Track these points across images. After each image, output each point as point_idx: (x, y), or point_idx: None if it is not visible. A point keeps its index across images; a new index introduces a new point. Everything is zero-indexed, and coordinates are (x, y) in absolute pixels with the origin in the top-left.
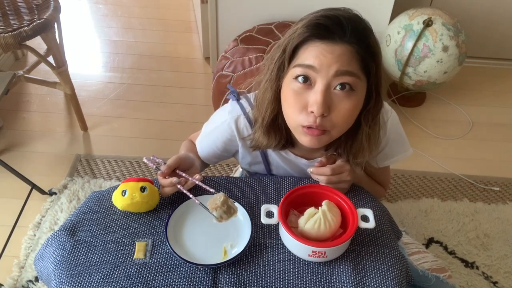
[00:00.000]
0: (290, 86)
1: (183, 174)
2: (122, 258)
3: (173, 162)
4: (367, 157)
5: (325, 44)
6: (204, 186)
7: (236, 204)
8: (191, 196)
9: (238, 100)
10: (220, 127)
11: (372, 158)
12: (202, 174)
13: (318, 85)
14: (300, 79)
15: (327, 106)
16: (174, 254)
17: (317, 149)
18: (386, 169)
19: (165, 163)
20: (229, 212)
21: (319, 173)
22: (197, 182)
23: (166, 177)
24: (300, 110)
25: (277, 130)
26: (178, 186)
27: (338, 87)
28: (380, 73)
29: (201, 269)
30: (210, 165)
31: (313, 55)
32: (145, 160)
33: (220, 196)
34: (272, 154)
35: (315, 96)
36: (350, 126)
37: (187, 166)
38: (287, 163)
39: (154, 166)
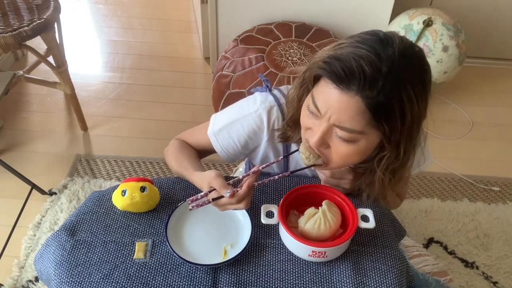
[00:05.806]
0: (304, 107)
1: (240, 176)
2: (122, 258)
3: (223, 182)
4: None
5: (335, 89)
6: (265, 165)
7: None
8: (276, 177)
9: (270, 90)
10: (248, 118)
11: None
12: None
13: (321, 124)
14: (310, 110)
15: (324, 142)
16: (174, 254)
17: None
18: (406, 179)
19: (208, 192)
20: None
21: (320, 170)
22: (260, 168)
23: (235, 194)
24: (306, 129)
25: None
26: (255, 184)
27: (337, 133)
28: (405, 130)
29: (201, 269)
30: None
31: (322, 97)
32: (194, 206)
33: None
34: (296, 155)
35: (315, 131)
36: (352, 164)
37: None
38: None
39: (211, 199)
